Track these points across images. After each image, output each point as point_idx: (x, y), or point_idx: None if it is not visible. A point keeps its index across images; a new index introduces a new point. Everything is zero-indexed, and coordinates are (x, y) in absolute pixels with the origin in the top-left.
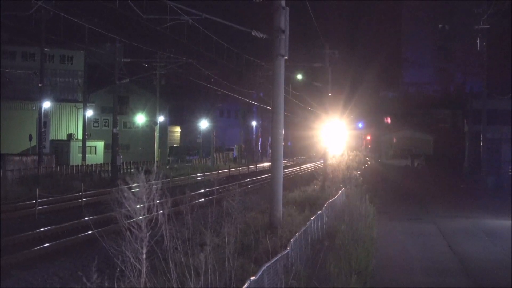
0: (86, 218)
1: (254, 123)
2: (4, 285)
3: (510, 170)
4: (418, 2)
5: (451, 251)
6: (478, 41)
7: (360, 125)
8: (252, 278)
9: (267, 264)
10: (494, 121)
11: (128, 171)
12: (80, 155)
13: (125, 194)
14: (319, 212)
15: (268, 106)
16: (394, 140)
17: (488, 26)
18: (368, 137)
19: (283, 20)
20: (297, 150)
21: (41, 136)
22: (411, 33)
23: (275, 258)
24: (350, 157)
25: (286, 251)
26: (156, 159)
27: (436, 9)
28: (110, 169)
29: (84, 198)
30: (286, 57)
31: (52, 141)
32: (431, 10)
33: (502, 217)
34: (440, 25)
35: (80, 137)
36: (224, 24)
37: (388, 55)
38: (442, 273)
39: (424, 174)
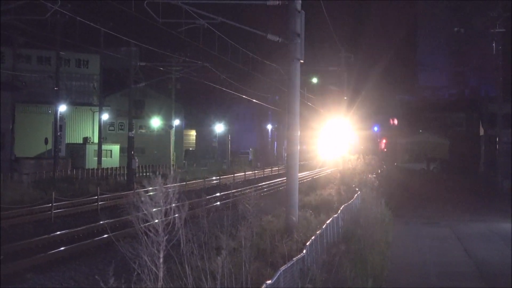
0: (102, 222)
1: (269, 127)
2: None
3: None
4: (433, 5)
5: (467, 255)
6: (493, 44)
7: (375, 128)
8: (268, 281)
9: (283, 268)
10: (510, 124)
11: (144, 174)
12: (96, 158)
13: (142, 198)
14: (335, 216)
15: (284, 110)
16: (410, 144)
17: (504, 30)
18: (384, 141)
19: (299, 24)
20: (312, 153)
21: (57, 139)
22: (426, 36)
23: (291, 262)
24: (366, 161)
25: (302, 255)
26: (171, 162)
27: (452, 13)
28: (125, 172)
29: (100, 201)
30: (302, 61)
31: (68, 144)
32: (446, 13)
33: None
34: (455, 29)
35: (96, 140)
36: (240, 27)
37: (404, 58)
38: (458, 277)
39: (439, 178)
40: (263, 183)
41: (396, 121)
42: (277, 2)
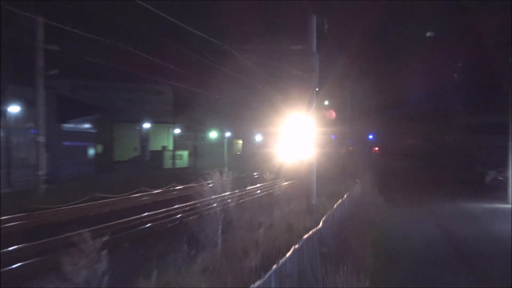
0: (176, 206)
1: None
2: None
3: None
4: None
5: (438, 227)
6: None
7: (370, 136)
8: (296, 246)
9: (306, 236)
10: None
11: (206, 173)
12: (171, 161)
13: (204, 188)
14: (341, 199)
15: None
16: (398, 147)
17: None
18: (376, 148)
19: (314, 62)
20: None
21: (143, 148)
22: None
23: (311, 232)
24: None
25: (319, 227)
26: (224, 164)
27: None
28: (193, 171)
29: (174, 191)
30: (317, 89)
31: (151, 151)
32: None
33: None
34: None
35: (171, 148)
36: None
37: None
38: (431, 241)
39: (422, 172)
40: (295, 175)
41: (333, 114)
42: (300, 47)
